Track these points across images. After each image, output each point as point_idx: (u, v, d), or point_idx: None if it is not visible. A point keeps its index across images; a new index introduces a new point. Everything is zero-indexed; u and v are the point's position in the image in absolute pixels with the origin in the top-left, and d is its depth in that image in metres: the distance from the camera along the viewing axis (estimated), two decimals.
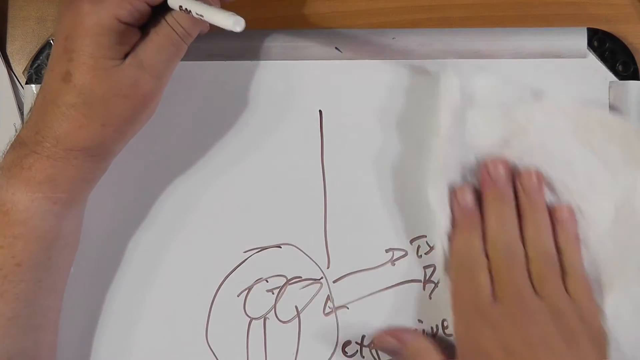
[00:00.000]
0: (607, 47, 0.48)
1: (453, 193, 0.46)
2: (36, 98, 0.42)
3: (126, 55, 0.40)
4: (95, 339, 0.48)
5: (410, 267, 0.47)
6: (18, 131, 0.42)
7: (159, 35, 0.41)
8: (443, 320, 0.47)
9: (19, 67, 0.51)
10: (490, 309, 0.42)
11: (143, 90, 0.41)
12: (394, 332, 0.46)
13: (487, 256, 0.44)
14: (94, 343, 0.47)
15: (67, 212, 0.42)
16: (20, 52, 0.51)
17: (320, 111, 0.49)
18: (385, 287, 0.47)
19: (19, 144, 0.41)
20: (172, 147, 0.49)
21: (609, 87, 0.48)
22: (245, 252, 0.48)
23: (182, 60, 0.43)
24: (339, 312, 0.48)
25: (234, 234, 0.48)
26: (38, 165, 0.40)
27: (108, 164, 0.44)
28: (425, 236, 0.48)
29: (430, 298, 0.47)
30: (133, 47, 0.41)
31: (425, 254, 0.47)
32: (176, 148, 0.49)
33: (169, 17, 0.41)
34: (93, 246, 0.47)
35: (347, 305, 0.48)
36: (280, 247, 0.48)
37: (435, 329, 0.47)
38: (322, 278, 0.48)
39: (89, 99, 0.40)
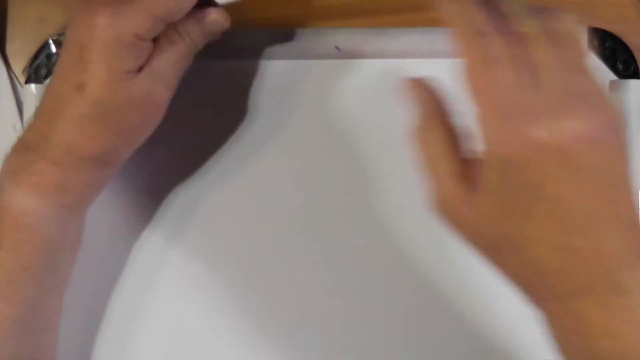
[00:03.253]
0: (607, 46, 0.48)
1: None
2: (42, 103, 0.41)
3: (140, 67, 0.40)
4: (96, 343, 0.47)
5: None
6: (20, 134, 0.42)
7: (171, 47, 0.41)
8: None
9: (19, 67, 0.51)
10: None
11: (156, 100, 0.41)
12: None
13: None
14: (95, 346, 0.47)
15: (74, 217, 0.42)
16: (20, 52, 0.51)
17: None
18: None
19: (24, 148, 0.41)
20: (173, 148, 0.48)
21: (610, 86, 0.48)
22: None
23: None
24: None
25: (235, 234, 0.48)
26: (47, 171, 0.40)
27: (116, 170, 0.44)
28: None
29: None
30: (147, 59, 0.41)
31: None
32: (176, 148, 0.49)
33: (180, 29, 0.42)
34: (96, 248, 0.47)
35: None
36: None
37: None
38: None
39: (104, 110, 0.40)
